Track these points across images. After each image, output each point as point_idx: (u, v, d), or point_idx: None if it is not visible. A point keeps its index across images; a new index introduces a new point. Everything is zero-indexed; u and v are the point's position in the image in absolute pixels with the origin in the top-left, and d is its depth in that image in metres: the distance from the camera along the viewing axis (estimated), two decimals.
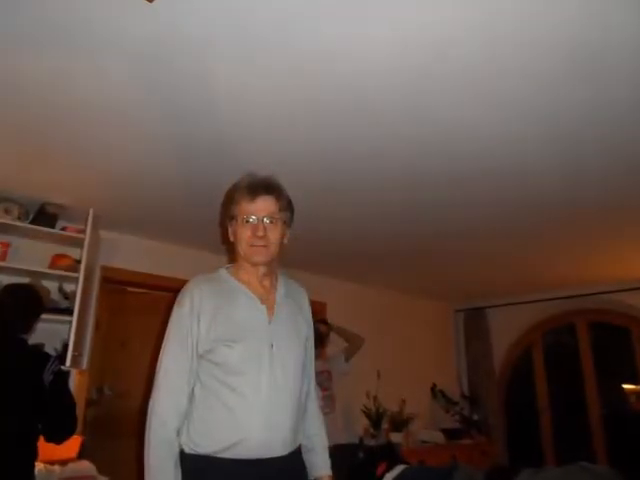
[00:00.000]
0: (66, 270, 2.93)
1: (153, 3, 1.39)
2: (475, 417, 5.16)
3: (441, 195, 2.81)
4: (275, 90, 1.85)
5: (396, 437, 4.26)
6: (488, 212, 3.06)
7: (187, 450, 1.34)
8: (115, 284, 3.57)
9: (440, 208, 3.00)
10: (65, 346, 2.69)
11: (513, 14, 1.46)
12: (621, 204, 2.93)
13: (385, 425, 4.33)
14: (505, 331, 5.56)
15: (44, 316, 2.33)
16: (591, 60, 1.65)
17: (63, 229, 3.02)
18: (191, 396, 1.38)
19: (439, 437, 4.70)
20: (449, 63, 1.68)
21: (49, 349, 2.73)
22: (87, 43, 1.59)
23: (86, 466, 2.55)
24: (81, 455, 2.66)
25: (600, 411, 4.96)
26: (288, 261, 3.23)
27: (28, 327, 2.13)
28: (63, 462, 2.48)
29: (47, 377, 1.96)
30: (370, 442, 4.02)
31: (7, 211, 2.78)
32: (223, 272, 1.51)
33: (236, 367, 1.35)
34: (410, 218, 3.18)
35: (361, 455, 3.48)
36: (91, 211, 2.85)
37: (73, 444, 2.58)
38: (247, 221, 1.44)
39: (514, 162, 2.40)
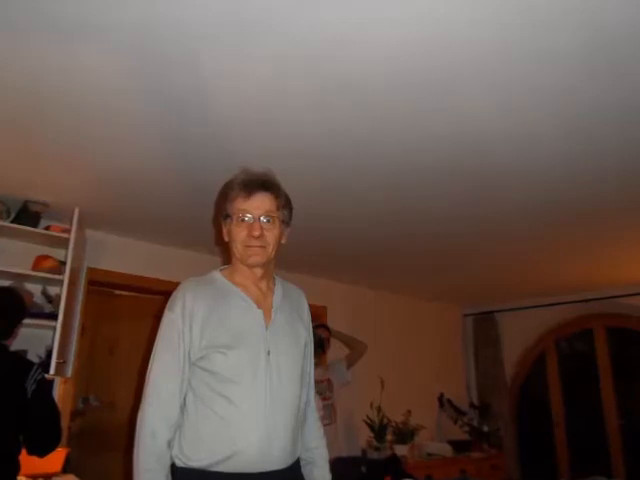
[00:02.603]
0: (50, 272, 2.92)
1: None
2: (485, 428, 5.15)
3: (444, 194, 2.83)
4: (274, 86, 1.85)
5: (401, 450, 4.25)
6: (490, 212, 3.08)
7: (179, 463, 1.34)
8: (102, 287, 3.57)
9: (443, 208, 3.02)
10: (49, 353, 2.69)
11: (520, 16, 1.48)
12: (621, 204, 2.98)
13: (389, 437, 4.33)
14: (517, 336, 5.56)
15: (27, 321, 2.33)
16: (595, 60, 1.69)
17: (47, 228, 3.00)
18: (183, 406, 1.37)
19: (447, 450, 4.69)
20: (450, 62, 1.70)
21: (32, 356, 2.73)
22: (81, 37, 1.59)
23: None
24: (66, 469, 2.66)
25: (618, 422, 4.96)
26: (285, 263, 3.22)
27: (10, 333, 2.13)
28: (47, 476, 2.48)
29: (30, 386, 1.96)
30: (373, 455, 4.02)
31: None
32: (217, 274, 1.51)
33: (231, 375, 1.35)
34: (412, 218, 3.19)
35: (364, 469, 3.48)
36: (77, 210, 2.85)
37: (57, 457, 2.58)
38: (242, 220, 1.43)
39: (516, 162, 2.43)
